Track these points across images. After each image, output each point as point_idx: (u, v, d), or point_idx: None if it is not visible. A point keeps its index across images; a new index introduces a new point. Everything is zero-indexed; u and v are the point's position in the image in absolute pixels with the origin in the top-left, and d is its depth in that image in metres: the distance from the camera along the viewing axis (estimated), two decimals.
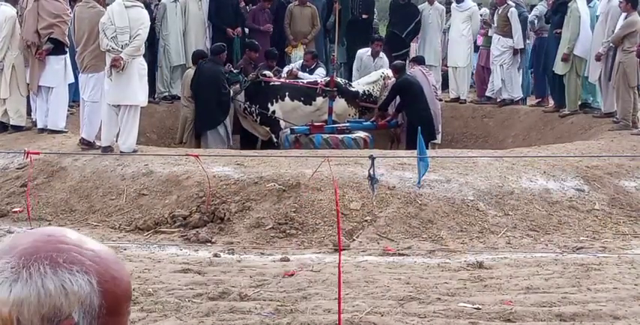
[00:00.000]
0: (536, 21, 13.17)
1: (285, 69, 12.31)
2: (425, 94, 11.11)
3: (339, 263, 5.07)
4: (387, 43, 13.40)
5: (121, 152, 8.87)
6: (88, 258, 1.21)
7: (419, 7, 14.29)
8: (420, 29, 14.05)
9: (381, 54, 12.77)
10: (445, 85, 14.50)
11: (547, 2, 12.96)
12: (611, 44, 10.73)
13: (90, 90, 9.30)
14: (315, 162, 7.86)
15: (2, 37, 10.16)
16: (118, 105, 8.93)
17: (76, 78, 10.51)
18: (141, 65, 8.99)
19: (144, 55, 9.15)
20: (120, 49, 8.70)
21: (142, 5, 9.29)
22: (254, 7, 13.61)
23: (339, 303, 5.10)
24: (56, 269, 1.18)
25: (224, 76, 11.01)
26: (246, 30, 13.51)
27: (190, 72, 11.28)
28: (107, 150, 8.91)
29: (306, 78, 12.02)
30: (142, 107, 9.40)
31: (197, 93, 10.94)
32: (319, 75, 12.22)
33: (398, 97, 11.27)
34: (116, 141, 9.17)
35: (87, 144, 9.20)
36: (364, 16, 14.06)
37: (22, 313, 1.16)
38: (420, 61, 12.26)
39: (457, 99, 13.84)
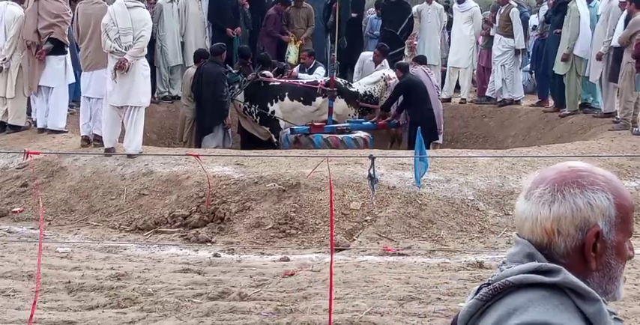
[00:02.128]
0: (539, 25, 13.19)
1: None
2: (429, 94, 11.10)
3: (331, 263, 5.07)
4: (383, 42, 13.36)
5: (128, 155, 8.79)
6: (601, 180, 1.60)
7: (417, 6, 14.26)
8: (414, 26, 14.01)
9: (384, 62, 12.49)
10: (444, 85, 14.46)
11: (547, 2, 12.94)
12: (612, 44, 10.71)
13: (97, 87, 9.23)
14: (315, 162, 7.85)
15: (11, 36, 10.06)
16: (121, 107, 8.88)
17: (76, 77, 10.49)
18: (144, 66, 8.95)
19: (145, 56, 9.12)
20: (123, 51, 8.64)
21: (144, 6, 9.25)
22: (271, 10, 13.50)
23: (330, 302, 5.10)
24: (582, 190, 1.57)
25: (225, 78, 10.99)
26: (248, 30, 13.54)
27: (191, 71, 11.24)
28: (110, 150, 8.87)
29: (305, 78, 12.00)
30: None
31: (198, 94, 10.91)
32: (319, 74, 12.20)
33: (401, 97, 11.24)
34: (118, 142, 9.14)
35: (100, 141, 9.13)
36: (353, 15, 14.05)
37: (560, 225, 1.57)
38: (421, 60, 12.23)
39: (448, 100, 13.76)
